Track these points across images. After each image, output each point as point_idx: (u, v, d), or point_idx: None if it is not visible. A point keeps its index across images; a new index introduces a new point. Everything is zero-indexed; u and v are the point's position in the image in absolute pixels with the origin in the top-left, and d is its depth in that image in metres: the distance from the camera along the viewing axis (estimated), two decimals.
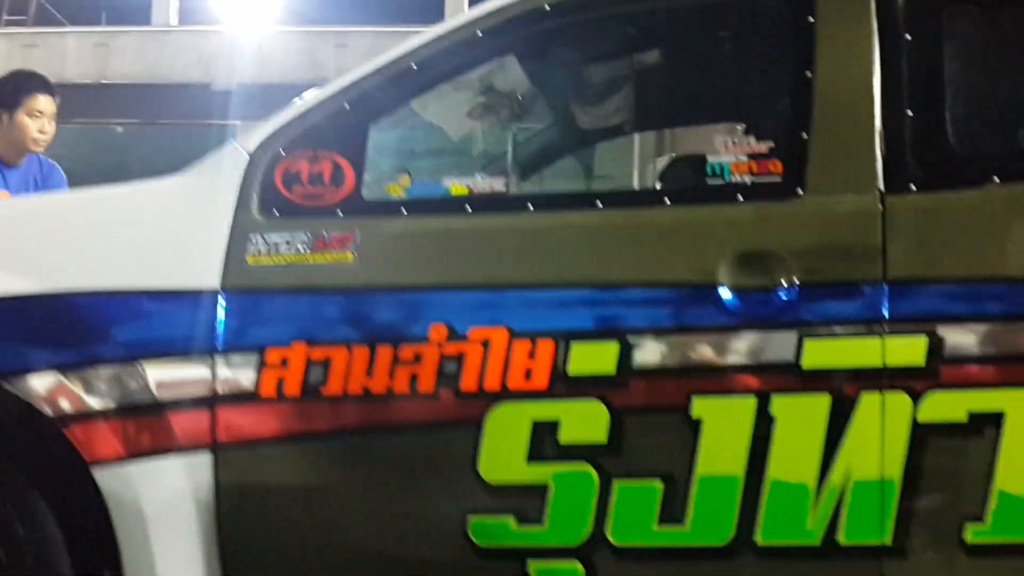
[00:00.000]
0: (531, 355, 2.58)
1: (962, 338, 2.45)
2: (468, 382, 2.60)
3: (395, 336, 2.63)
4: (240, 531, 2.70)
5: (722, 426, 2.52)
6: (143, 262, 2.74)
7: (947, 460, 2.47)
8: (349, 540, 2.69)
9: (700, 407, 2.53)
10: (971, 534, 2.46)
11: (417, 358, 2.62)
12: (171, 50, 18.03)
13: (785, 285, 2.52)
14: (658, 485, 2.55)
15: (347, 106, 2.75)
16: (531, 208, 2.69)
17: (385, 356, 2.63)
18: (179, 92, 17.29)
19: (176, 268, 2.72)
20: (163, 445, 2.67)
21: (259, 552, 2.72)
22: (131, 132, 17.79)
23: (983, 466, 2.44)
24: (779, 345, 2.51)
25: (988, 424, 2.44)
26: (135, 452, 2.67)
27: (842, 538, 2.50)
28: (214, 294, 2.68)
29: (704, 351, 2.54)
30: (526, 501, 2.60)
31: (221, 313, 2.67)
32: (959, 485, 2.47)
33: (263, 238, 2.70)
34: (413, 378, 2.62)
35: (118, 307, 2.71)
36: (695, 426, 2.53)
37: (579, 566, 2.59)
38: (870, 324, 2.49)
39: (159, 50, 18.12)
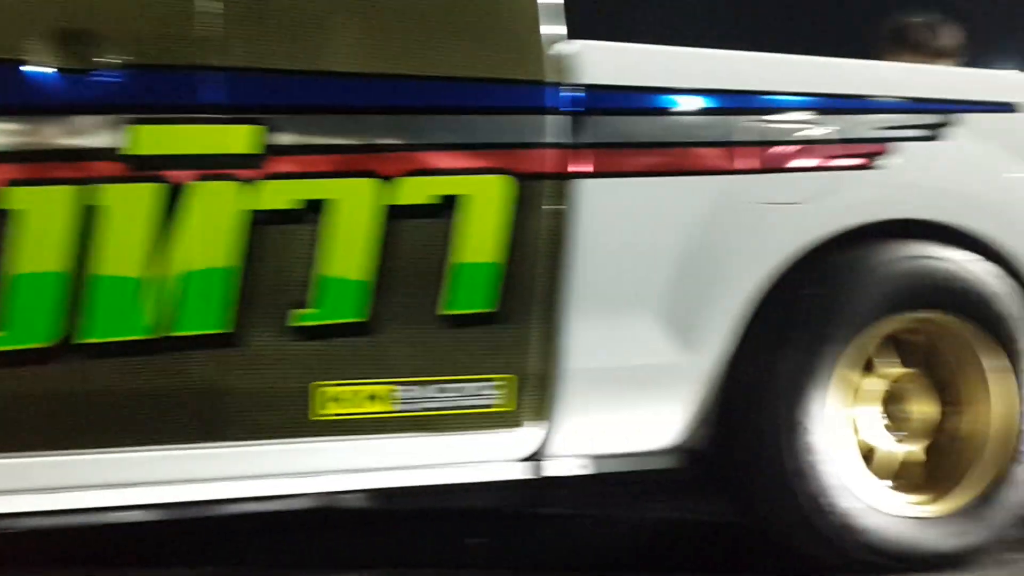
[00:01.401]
0: None
1: (291, 128, 2.45)
2: None
3: None
4: None
5: (42, 218, 2.33)
6: None
7: (277, 248, 2.46)
8: None
9: (17, 197, 2.31)
10: (300, 318, 2.49)
11: None
12: None
13: (113, 67, 2.35)
14: None
15: None
16: None
17: None
18: None
19: None
20: None
21: None
22: None
23: (309, 252, 2.47)
24: (106, 130, 2.35)
25: (314, 212, 2.47)
26: None
27: (178, 329, 2.42)
28: None
29: (20, 136, 2.32)
30: None
31: None
32: (289, 272, 2.48)
33: None
34: None
35: None
36: (12, 218, 2.31)
37: None
38: (202, 111, 2.41)
39: None
